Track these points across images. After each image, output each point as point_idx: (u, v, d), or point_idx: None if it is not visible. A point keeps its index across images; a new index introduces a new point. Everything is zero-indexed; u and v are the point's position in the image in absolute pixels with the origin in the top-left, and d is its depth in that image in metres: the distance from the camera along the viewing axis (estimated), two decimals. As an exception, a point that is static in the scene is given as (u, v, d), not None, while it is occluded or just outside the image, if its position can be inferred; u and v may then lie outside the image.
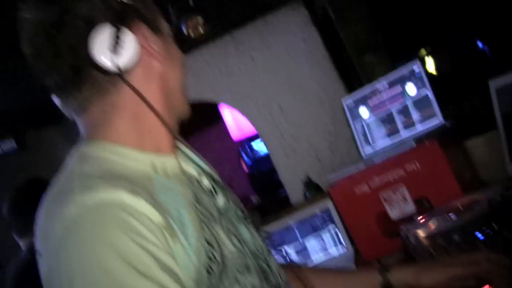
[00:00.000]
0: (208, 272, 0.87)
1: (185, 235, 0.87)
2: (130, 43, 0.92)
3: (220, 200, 1.08)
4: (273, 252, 2.52)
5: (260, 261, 1.05)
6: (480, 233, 1.45)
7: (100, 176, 0.87)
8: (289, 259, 2.52)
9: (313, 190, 2.70)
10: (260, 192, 6.48)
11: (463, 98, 2.45)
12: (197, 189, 1.03)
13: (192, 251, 0.86)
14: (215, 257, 0.90)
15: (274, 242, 2.56)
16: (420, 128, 2.28)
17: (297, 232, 2.55)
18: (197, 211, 0.94)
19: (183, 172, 1.03)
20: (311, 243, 2.53)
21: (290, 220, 2.56)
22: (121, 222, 0.79)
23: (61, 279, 0.79)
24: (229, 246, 0.97)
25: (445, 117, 2.29)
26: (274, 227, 2.57)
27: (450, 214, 1.72)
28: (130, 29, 0.94)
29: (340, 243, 2.47)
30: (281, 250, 2.55)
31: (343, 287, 1.31)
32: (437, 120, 2.23)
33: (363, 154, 2.46)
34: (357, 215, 2.18)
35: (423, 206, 2.06)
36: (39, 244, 0.87)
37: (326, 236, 2.50)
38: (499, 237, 1.34)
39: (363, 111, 2.45)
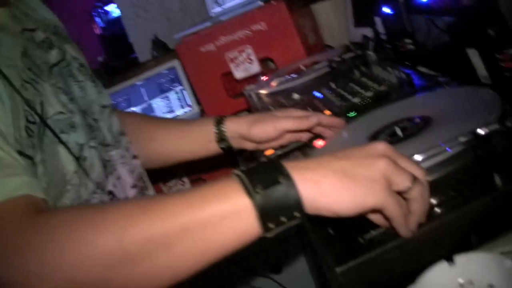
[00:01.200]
0: (27, 133, 0.84)
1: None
2: None
3: (54, 54, 1.04)
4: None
5: (89, 119, 1.04)
6: (319, 92, 1.49)
7: None
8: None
9: (161, 49, 2.62)
10: (112, 55, 6.28)
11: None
12: (28, 42, 0.98)
13: (8, 111, 0.82)
14: (34, 118, 0.87)
15: (121, 103, 2.50)
16: (268, -13, 2.24)
17: (143, 92, 2.50)
18: (21, 68, 0.90)
19: (13, 23, 0.98)
20: (158, 104, 2.50)
21: (137, 80, 2.50)
22: None
23: None
24: (55, 104, 0.94)
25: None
26: (120, 87, 2.50)
27: (292, 74, 1.75)
28: None
29: (187, 103, 2.46)
30: (128, 111, 2.50)
31: (180, 137, 1.32)
32: (286, -20, 2.20)
33: (211, 13, 2.40)
34: (203, 74, 2.16)
35: (268, 66, 2.08)
36: None
37: (173, 97, 2.48)
38: (336, 96, 1.38)
39: (212, -31, 2.36)
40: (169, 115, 2.48)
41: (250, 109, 1.89)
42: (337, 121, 1.17)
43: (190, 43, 2.12)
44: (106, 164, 1.05)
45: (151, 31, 3.03)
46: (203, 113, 2.28)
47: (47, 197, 0.81)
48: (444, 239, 0.71)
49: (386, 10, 1.53)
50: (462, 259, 0.65)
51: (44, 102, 0.91)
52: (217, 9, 2.35)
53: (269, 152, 1.24)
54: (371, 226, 0.72)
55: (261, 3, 2.00)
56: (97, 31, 7.29)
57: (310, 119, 1.16)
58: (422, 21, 1.35)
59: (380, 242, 0.70)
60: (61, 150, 0.91)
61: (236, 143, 1.27)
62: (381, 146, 0.70)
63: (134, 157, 1.20)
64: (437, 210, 0.71)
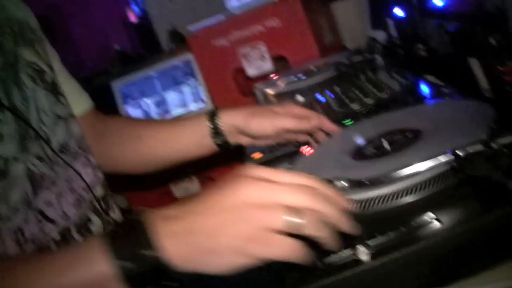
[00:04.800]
0: None
1: None
2: None
3: None
4: (132, 103, 2.44)
5: (23, 130, 0.93)
6: (322, 95, 1.42)
7: None
8: (148, 111, 2.44)
9: (179, 41, 2.56)
10: (144, 44, 6.26)
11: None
12: None
13: None
14: None
15: (134, 94, 2.46)
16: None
17: (157, 83, 2.45)
18: None
19: None
20: (171, 96, 2.44)
21: (151, 71, 2.45)
22: None
23: None
24: None
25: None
26: (134, 77, 2.46)
27: (300, 74, 1.68)
28: None
29: (200, 98, 2.40)
30: (140, 102, 2.45)
31: (171, 135, 1.23)
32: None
33: (228, 6, 2.34)
34: (215, 69, 2.11)
35: (280, 65, 2.02)
36: None
37: (187, 90, 2.42)
38: (336, 101, 1.31)
39: (233, -39, 2.30)
40: (182, 109, 2.42)
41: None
42: (336, 130, 1.10)
43: (202, 36, 2.07)
44: (41, 179, 0.94)
45: (175, 21, 2.98)
46: (215, 109, 2.22)
47: None
48: (417, 270, 0.63)
49: (399, 12, 1.44)
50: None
51: None
52: (235, 3, 2.29)
53: (257, 155, 1.18)
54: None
55: (276, -1, 1.94)
56: (132, 18, 7.32)
57: (311, 121, 1.10)
58: (435, 26, 1.27)
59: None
60: None
61: (232, 138, 1.17)
62: (242, 192, 0.63)
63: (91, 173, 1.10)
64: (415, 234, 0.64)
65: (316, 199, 0.62)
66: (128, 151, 1.22)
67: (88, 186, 1.04)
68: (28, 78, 1.00)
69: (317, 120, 1.10)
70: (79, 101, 1.21)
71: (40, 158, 0.95)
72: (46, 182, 0.94)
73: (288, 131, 1.12)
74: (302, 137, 1.14)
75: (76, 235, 0.96)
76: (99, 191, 1.08)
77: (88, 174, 1.06)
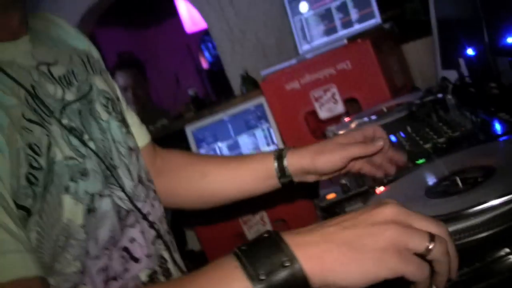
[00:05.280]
0: (29, 181, 0.79)
1: None
2: None
3: (73, 91, 0.97)
4: (205, 147, 2.50)
5: (107, 164, 0.95)
6: (394, 135, 1.42)
7: None
8: (221, 155, 2.49)
9: (251, 85, 2.63)
10: (213, 89, 6.39)
11: (407, 1, 2.37)
12: (41, 77, 0.92)
13: (5, 158, 0.77)
14: (39, 164, 0.81)
15: (207, 138, 2.52)
16: (357, 27, 2.20)
17: (230, 127, 2.51)
18: (24, 109, 0.84)
19: (26, 58, 0.92)
20: (244, 140, 2.49)
21: (224, 115, 2.51)
22: None
23: None
24: (64, 148, 0.87)
25: (386, 19, 2.22)
26: (207, 121, 2.53)
27: (372, 116, 1.69)
28: None
29: (273, 142, 2.44)
30: (214, 146, 2.51)
31: (236, 173, 1.21)
32: (375, 20, 2.16)
33: (300, 51, 2.39)
34: (287, 112, 2.14)
35: (352, 107, 2.03)
36: None
37: (259, 134, 2.47)
38: (409, 141, 1.31)
39: (303, 6, 2.36)
40: (254, 153, 2.46)
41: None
42: (401, 159, 1.10)
43: (275, 80, 2.11)
44: (126, 214, 0.96)
45: (246, 66, 3.06)
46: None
47: (42, 250, 0.77)
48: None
49: (471, 52, 1.44)
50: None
51: (53, 145, 0.85)
52: (306, 47, 2.34)
53: (330, 196, 1.19)
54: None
55: (346, 42, 1.96)
56: (205, 65, 7.50)
57: (376, 144, 1.06)
58: (507, 63, 1.27)
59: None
60: (67, 200, 0.84)
61: (298, 178, 1.15)
62: (388, 211, 0.63)
63: (160, 207, 1.10)
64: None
65: (448, 235, 0.63)
66: (190, 187, 1.22)
67: (159, 220, 1.05)
68: (102, 108, 1.02)
69: (381, 142, 1.06)
70: (140, 133, 1.21)
71: (124, 192, 0.96)
72: (131, 218, 0.96)
73: (356, 159, 1.10)
74: (370, 168, 1.12)
75: (161, 277, 0.98)
76: (165, 226, 1.09)
77: (158, 208, 1.08)
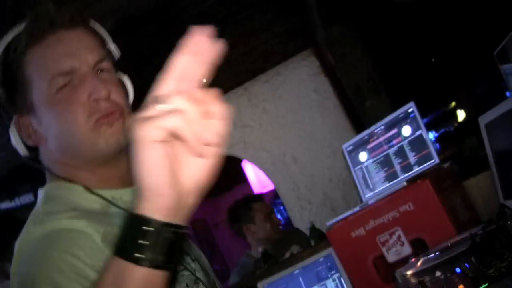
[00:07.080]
0: None
1: None
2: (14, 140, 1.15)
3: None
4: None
5: None
6: (459, 267, 1.41)
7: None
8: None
9: (318, 237, 2.66)
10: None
11: (466, 139, 2.43)
12: None
13: None
14: None
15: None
16: (417, 169, 2.24)
17: (301, 280, 2.50)
18: None
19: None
20: (317, 292, 2.47)
21: (294, 269, 2.52)
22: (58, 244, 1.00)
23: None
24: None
25: (445, 158, 2.27)
26: (279, 276, 2.54)
27: (438, 252, 1.69)
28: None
29: (345, 291, 2.42)
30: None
31: None
32: (434, 161, 2.20)
33: (363, 199, 2.43)
34: (355, 260, 2.14)
35: (419, 247, 2.02)
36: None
37: (330, 285, 2.45)
38: (473, 270, 1.30)
39: (363, 156, 2.43)
40: (328, 304, 2.44)
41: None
42: None
43: (340, 228, 2.14)
44: None
45: (315, 221, 3.10)
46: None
47: None
48: None
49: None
50: None
51: None
52: (369, 194, 2.38)
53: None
54: None
55: (405, 184, 2.00)
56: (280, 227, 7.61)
57: None
58: None
59: None
60: None
61: None
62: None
63: None
64: None
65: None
66: None
67: None
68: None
69: None
70: None
71: None
72: None
73: None
74: None
75: None
76: None
77: None
